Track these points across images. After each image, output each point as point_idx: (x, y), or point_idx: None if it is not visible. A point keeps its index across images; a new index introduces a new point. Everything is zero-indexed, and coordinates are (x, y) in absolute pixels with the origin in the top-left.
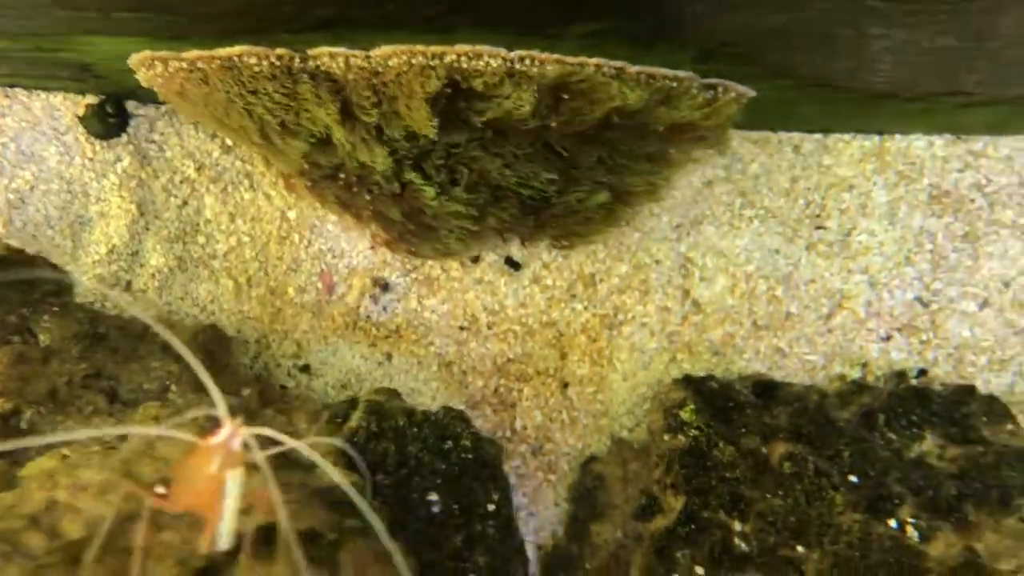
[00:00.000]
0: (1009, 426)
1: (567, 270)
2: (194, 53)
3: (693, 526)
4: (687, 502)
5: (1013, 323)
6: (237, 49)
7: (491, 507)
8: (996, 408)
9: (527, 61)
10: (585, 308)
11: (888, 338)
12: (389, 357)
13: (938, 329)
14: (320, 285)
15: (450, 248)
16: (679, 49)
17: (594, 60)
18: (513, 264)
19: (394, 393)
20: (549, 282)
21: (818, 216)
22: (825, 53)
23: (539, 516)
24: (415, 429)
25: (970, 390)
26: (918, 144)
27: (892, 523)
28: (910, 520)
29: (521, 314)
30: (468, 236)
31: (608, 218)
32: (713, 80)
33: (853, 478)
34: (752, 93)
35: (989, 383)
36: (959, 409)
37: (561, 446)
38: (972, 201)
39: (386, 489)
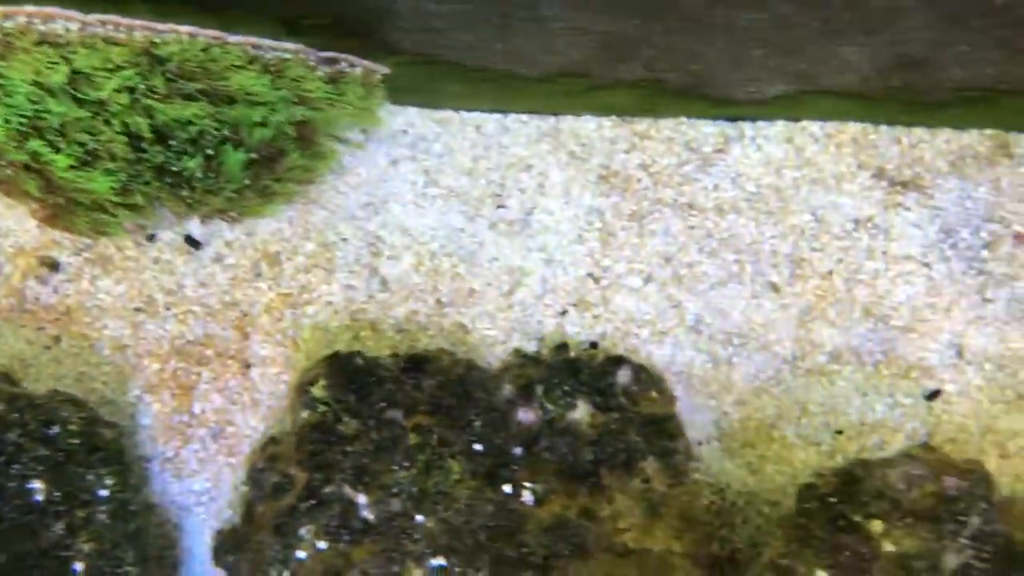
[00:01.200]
0: (653, 394)
1: (251, 248)
2: None
3: (314, 501)
4: (310, 478)
5: (672, 297)
6: None
7: (103, 492)
8: (643, 377)
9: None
10: (269, 288)
11: (564, 313)
12: (57, 340)
13: (608, 304)
14: None
15: (106, 225)
16: (257, 21)
17: (186, 28)
18: (193, 243)
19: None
20: (232, 261)
21: (499, 195)
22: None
23: (219, 500)
24: (16, 415)
25: (618, 360)
26: (588, 125)
27: (507, 488)
28: (527, 485)
29: (201, 294)
30: (123, 212)
31: (264, 196)
32: (332, 54)
33: (478, 447)
34: (384, 70)
35: (652, 354)
36: (605, 379)
37: (243, 429)
38: (638, 181)
39: None
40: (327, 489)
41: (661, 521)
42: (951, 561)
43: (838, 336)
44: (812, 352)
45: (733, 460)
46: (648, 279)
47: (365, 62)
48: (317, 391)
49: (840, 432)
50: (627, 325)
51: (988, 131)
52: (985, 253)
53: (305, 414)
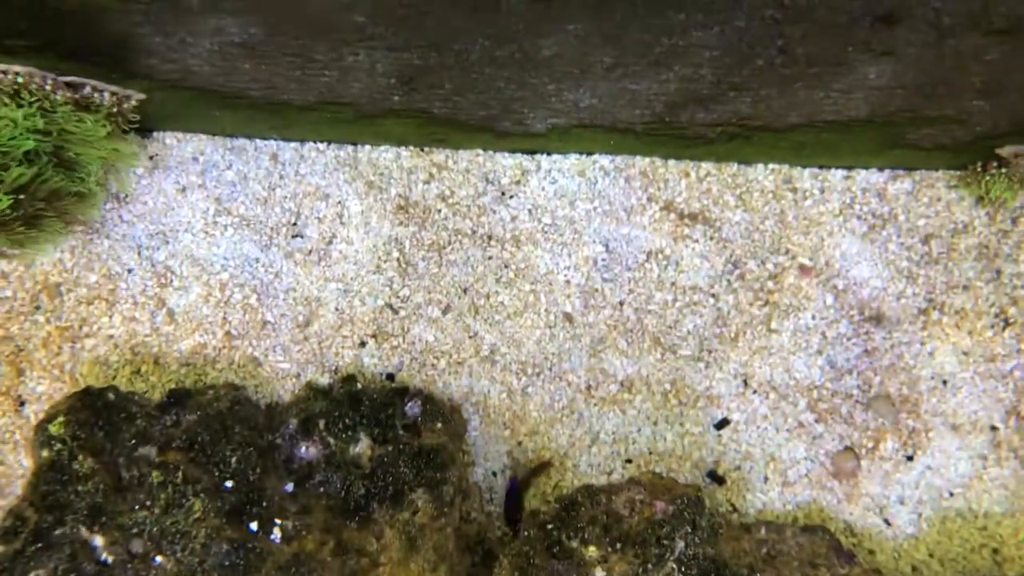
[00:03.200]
0: (438, 425)
1: (30, 280)
2: None
3: (42, 544)
4: (39, 519)
5: (469, 327)
6: None
7: None
8: (430, 409)
9: None
10: (48, 320)
11: (363, 344)
12: None
13: (406, 334)
14: None
15: None
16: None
17: None
18: None
19: None
20: (9, 293)
21: (295, 224)
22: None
23: None
24: None
25: (401, 392)
26: (387, 155)
27: (253, 526)
28: (277, 522)
29: None
30: None
31: (34, 226)
32: (74, 78)
33: (228, 484)
34: (138, 95)
35: (449, 385)
36: (386, 411)
37: (15, 468)
38: (438, 211)
39: None
40: (58, 531)
41: (418, 555)
42: None
43: (629, 365)
44: (605, 382)
45: (527, 491)
46: (447, 309)
47: (112, 87)
48: (54, 428)
49: (629, 461)
50: (425, 356)
51: (773, 165)
52: (771, 284)
53: (44, 452)
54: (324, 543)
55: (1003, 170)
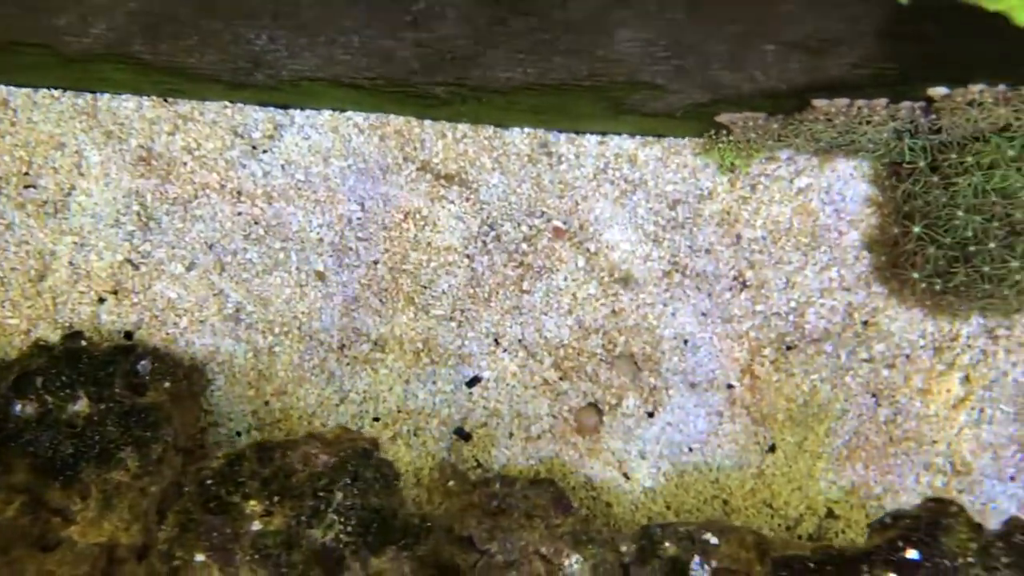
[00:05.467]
0: (166, 384)
1: None
2: None
3: None
4: None
5: (214, 285)
6: None
7: None
8: (159, 368)
9: None
10: None
11: (101, 300)
12: None
13: (147, 291)
14: None
15: None
16: None
17: None
18: None
19: None
20: None
21: (27, 175)
22: None
23: None
24: None
25: (125, 349)
26: (128, 105)
27: None
28: None
29: None
30: None
31: None
32: None
33: None
34: None
35: (192, 344)
36: (106, 369)
37: None
38: (184, 164)
39: None
40: None
41: (113, 513)
42: (319, 535)
43: (383, 325)
44: (357, 341)
45: None
46: (191, 266)
47: None
48: None
49: (377, 419)
50: (166, 313)
51: (529, 129)
52: (525, 246)
53: None
54: (10, 502)
55: (730, 137)
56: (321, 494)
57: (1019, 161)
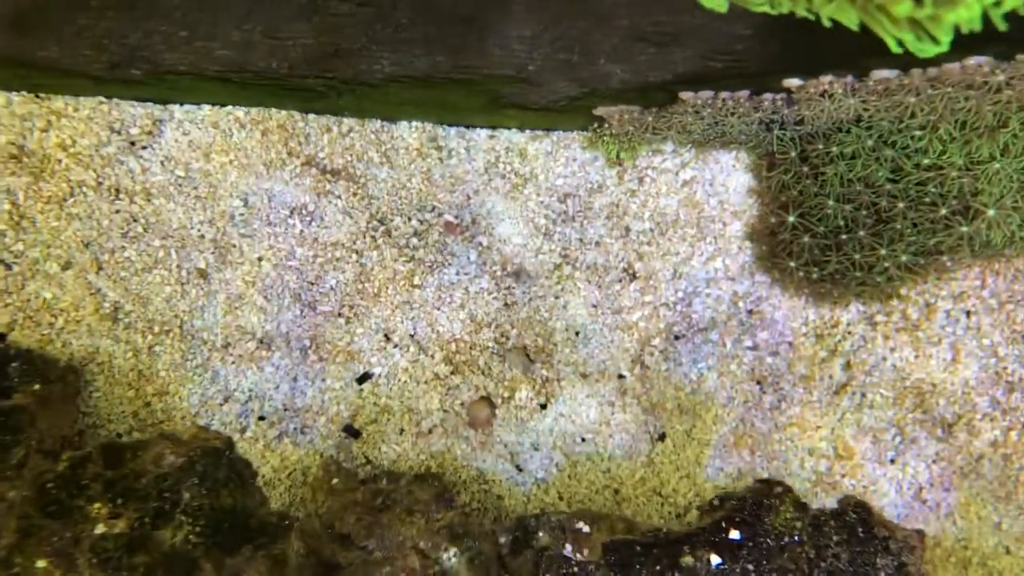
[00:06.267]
0: (36, 387)
1: None
2: None
3: None
4: None
5: (91, 284)
6: None
7: None
8: (28, 370)
9: None
10: None
11: None
12: None
13: (21, 291)
14: None
15: None
16: None
17: None
18: None
19: None
20: None
21: None
22: None
23: None
24: None
25: None
26: None
27: None
28: None
29: None
30: None
31: None
32: None
33: None
34: None
35: (69, 344)
36: None
37: None
38: (59, 161)
39: None
40: None
41: None
42: (168, 536)
43: (268, 322)
44: (242, 339)
45: None
46: (67, 265)
47: None
48: None
49: (263, 418)
50: (41, 314)
51: (417, 123)
52: (416, 241)
53: None
54: None
55: (611, 131)
56: (167, 495)
57: (878, 151)
